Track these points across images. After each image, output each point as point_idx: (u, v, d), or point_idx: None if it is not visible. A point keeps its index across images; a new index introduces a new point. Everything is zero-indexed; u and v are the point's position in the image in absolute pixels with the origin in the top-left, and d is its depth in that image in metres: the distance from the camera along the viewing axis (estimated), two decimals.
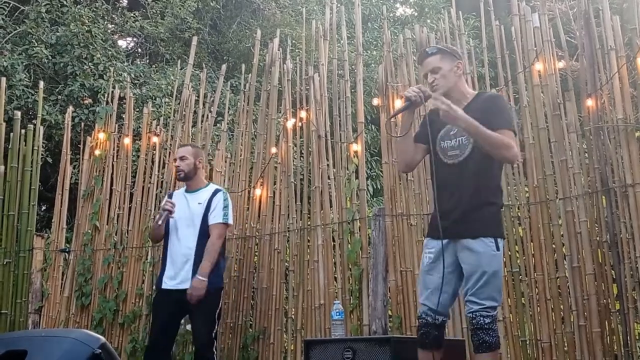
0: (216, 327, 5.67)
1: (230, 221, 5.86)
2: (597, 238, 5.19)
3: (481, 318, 4.00)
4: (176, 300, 5.63)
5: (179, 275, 5.70)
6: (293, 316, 6.31)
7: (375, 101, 6.59)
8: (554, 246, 5.32)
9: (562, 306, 5.24)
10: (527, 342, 5.35)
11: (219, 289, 5.72)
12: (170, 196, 6.00)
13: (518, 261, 5.48)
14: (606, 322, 5.07)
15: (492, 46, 6.19)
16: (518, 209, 5.60)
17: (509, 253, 5.48)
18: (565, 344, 5.16)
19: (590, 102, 5.32)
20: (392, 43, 6.33)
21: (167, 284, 5.73)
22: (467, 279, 4.08)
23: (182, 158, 5.94)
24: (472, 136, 4.06)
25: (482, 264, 4.02)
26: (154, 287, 6.92)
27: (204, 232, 5.76)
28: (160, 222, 5.79)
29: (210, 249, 5.66)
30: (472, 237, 4.06)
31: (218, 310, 5.70)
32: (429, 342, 4.19)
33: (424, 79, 4.42)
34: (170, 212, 5.78)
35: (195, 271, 5.62)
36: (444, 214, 4.12)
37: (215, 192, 5.91)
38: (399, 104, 6.00)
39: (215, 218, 5.78)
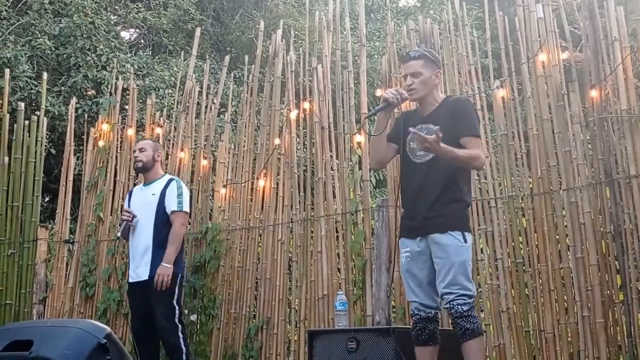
0: (177, 312, 5.77)
1: (185, 208, 5.97)
2: (601, 229, 5.18)
3: (459, 306, 4.13)
4: (142, 291, 5.80)
5: (139, 267, 5.85)
6: (296, 307, 6.32)
7: (379, 92, 6.59)
8: (557, 237, 5.32)
9: (565, 297, 5.24)
10: (531, 333, 5.35)
11: (175, 275, 5.77)
12: (130, 194, 6.21)
13: (522, 252, 5.48)
14: (610, 313, 5.07)
15: (496, 37, 6.17)
16: (522, 199, 5.60)
17: (513, 244, 5.49)
18: (569, 335, 5.17)
19: (594, 93, 5.31)
20: (395, 34, 6.33)
21: (132, 277, 5.92)
22: (439, 272, 4.22)
23: (141, 149, 6.08)
24: (447, 160, 4.20)
25: (451, 255, 4.18)
26: None
27: (160, 222, 5.90)
28: (119, 234, 6.02)
29: (173, 237, 5.83)
30: (441, 232, 4.23)
31: (177, 296, 5.79)
32: (425, 338, 4.31)
33: (402, 79, 4.54)
34: (129, 221, 5.94)
35: (154, 261, 5.77)
36: (414, 213, 4.35)
37: (169, 181, 6.04)
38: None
39: (171, 206, 5.92)
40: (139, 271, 5.84)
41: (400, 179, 4.60)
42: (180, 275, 5.86)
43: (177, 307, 5.78)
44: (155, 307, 5.75)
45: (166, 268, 5.71)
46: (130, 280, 5.93)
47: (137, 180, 6.96)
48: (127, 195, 6.26)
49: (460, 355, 4.22)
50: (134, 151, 6.15)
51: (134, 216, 5.94)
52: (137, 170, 6.25)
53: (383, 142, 4.51)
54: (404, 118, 4.49)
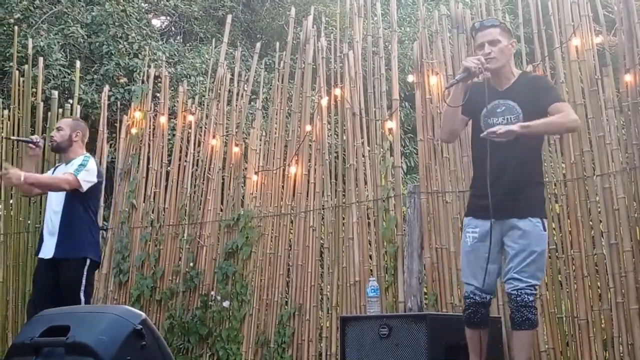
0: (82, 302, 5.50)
1: (80, 177, 5.57)
2: (635, 215, 5.14)
3: (526, 296, 4.07)
4: (51, 268, 5.59)
5: (47, 244, 5.65)
6: (328, 293, 6.34)
7: (410, 78, 6.57)
8: (591, 223, 5.28)
9: (599, 283, 5.20)
10: (564, 319, 5.33)
11: (84, 259, 5.59)
12: (55, 169, 5.95)
13: (555, 238, 5.44)
14: None
15: (528, 21, 6.12)
16: (555, 185, 5.56)
17: None
18: (603, 321, 5.14)
19: (628, 77, 5.25)
20: (427, 19, 6.29)
21: (43, 253, 5.66)
22: (513, 257, 4.12)
23: (58, 129, 5.87)
24: (543, 133, 4.20)
25: (531, 243, 4.09)
26: (191, 264, 7.01)
27: (71, 198, 5.63)
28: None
29: (47, 177, 5.85)
30: (520, 217, 4.11)
31: (84, 285, 5.54)
32: (477, 321, 4.25)
33: (476, 50, 4.37)
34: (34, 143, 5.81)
35: (60, 238, 5.57)
36: (493, 193, 4.10)
37: (80, 157, 5.76)
38: (434, 80, 5.99)
39: (69, 169, 5.67)
40: (46, 249, 5.63)
41: (473, 156, 4.47)
42: (89, 260, 5.62)
43: (83, 299, 5.51)
44: (62, 287, 5.54)
45: (16, 176, 5.50)
46: (40, 255, 5.69)
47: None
48: (53, 169, 6.00)
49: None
50: (53, 129, 5.89)
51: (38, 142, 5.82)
52: (52, 149, 6.00)
53: (458, 114, 4.32)
54: (475, 91, 4.26)
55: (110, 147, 8.93)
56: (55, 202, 5.70)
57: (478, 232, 4.22)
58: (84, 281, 5.50)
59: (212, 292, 6.87)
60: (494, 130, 4.00)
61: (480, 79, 4.39)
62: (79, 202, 5.64)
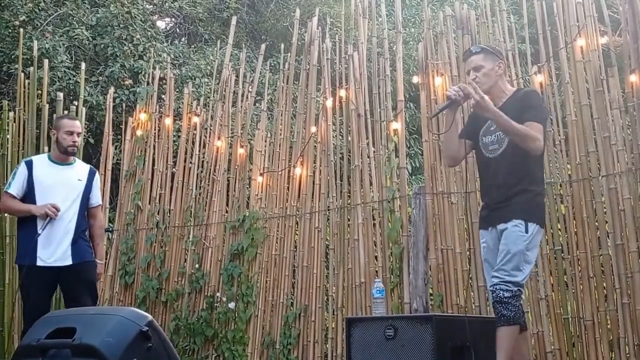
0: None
1: None
2: None
3: (500, 291, 4.21)
4: (56, 276, 5.58)
5: (56, 251, 5.58)
6: (334, 294, 6.33)
7: (415, 79, 6.58)
8: (596, 224, 5.28)
9: (605, 284, 5.20)
10: (570, 320, 5.32)
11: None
12: (29, 164, 5.74)
13: (560, 239, 5.44)
14: None
15: (533, 22, 6.12)
16: (560, 186, 5.56)
17: (551, 231, 5.45)
18: (609, 322, 5.13)
19: (633, 78, 5.25)
20: (432, 20, 6.29)
21: (45, 261, 5.55)
22: (497, 257, 4.33)
23: (78, 134, 5.85)
24: (500, 127, 4.32)
25: (509, 243, 4.27)
26: (196, 265, 7.00)
27: (83, 210, 5.74)
28: (41, 231, 5.53)
29: (102, 232, 6.01)
30: (504, 222, 4.33)
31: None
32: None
33: (466, 75, 4.63)
34: (53, 218, 5.58)
35: (76, 249, 5.62)
36: (486, 204, 4.53)
37: (92, 171, 5.92)
38: (439, 81, 6.00)
39: (99, 200, 5.91)
40: (56, 255, 5.56)
41: (479, 173, 4.79)
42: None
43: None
44: (81, 293, 5.61)
45: (102, 265, 5.96)
46: (41, 263, 5.53)
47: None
48: (25, 165, 5.74)
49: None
50: (71, 133, 5.73)
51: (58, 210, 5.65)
52: (71, 155, 5.85)
53: (454, 139, 4.59)
54: (475, 113, 4.54)
55: (116, 148, 8.96)
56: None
57: (486, 242, 4.50)
58: None
59: (218, 294, 6.87)
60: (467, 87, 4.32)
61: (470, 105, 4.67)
62: None
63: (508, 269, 4.22)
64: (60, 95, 7.98)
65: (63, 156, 5.78)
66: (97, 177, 5.97)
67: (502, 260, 4.26)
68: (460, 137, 4.59)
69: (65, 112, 7.76)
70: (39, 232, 5.49)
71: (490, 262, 4.43)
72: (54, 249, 5.57)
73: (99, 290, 7.44)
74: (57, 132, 5.78)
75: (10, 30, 10.66)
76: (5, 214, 7.39)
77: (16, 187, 5.65)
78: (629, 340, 5.01)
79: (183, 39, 13.05)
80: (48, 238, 5.55)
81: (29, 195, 5.65)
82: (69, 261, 5.59)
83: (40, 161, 5.80)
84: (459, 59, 5.98)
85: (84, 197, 5.78)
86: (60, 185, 5.67)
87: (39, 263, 5.51)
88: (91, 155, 10.66)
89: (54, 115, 7.72)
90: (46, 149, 7.68)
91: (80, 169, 5.87)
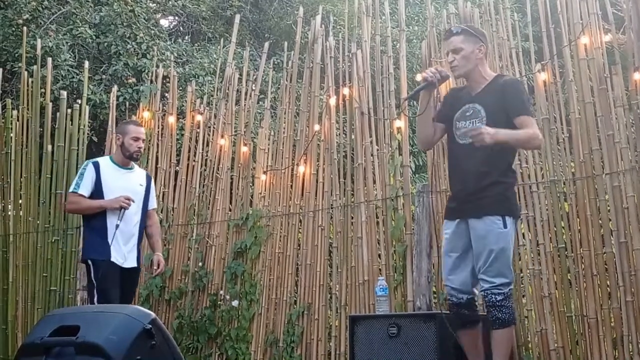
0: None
1: None
2: None
3: (493, 296, 4.16)
4: (125, 276, 5.77)
5: (124, 253, 5.76)
6: (337, 292, 6.33)
7: (419, 77, 6.56)
8: (600, 222, 5.27)
9: (608, 282, 5.19)
10: (573, 318, 5.32)
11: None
12: (96, 166, 5.88)
13: (564, 237, 5.43)
14: None
15: (537, 20, 6.11)
16: (564, 184, 5.55)
17: (555, 229, 5.45)
18: (612, 320, 5.13)
19: (637, 76, 5.24)
20: (435, 18, 6.29)
21: (119, 261, 5.73)
22: (477, 258, 4.24)
23: (143, 140, 6.07)
24: (508, 143, 4.22)
25: (488, 242, 4.17)
26: (200, 263, 7.00)
27: (144, 215, 5.98)
28: (119, 222, 5.72)
29: (159, 230, 6.34)
30: (477, 217, 4.23)
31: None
32: (462, 322, 4.37)
33: (445, 56, 4.52)
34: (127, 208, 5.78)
35: (139, 251, 5.92)
36: (456, 194, 4.38)
37: (149, 176, 6.22)
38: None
39: (154, 204, 6.16)
40: (128, 257, 5.78)
41: (448, 160, 4.66)
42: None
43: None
44: (132, 295, 5.97)
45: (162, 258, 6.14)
46: (118, 264, 5.72)
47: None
48: (93, 166, 5.88)
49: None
50: (137, 139, 5.93)
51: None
52: (137, 160, 6.10)
53: (428, 122, 4.44)
54: (451, 96, 4.46)
55: None
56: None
57: (449, 233, 4.37)
58: None
59: (221, 292, 6.88)
60: (469, 131, 4.15)
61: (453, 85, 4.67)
62: None
63: (496, 271, 4.16)
64: (64, 93, 7.98)
65: (126, 160, 5.96)
66: (153, 182, 6.25)
67: (486, 262, 4.16)
68: (434, 120, 4.45)
69: (69, 110, 7.76)
70: (118, 222, 5.69)
71: (450, 256, 4.34)
72: (122, 251, 5.75)
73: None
74: (123, 137, 5.93)
75: (13, 29, 10.67)
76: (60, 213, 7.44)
77: (85, 187, 5.79)
78: (632, 338, 5.00)
79: (186, 37, 13.02)
80: (117, 239, 5.72)
81: (95, 197, 5.81)
82: (134, 263, 5.84)
83: (105, 164, 5.95)
84: None
85: (145, 202, 5.99)
86: (127, 189, 5.82)
87: (113, 260, 5.70)
88: (95, 153, 10.66)
89: (57, 114, 7.74)
90: (49, 147, 7.69)
91: (139, 174, 6.08)
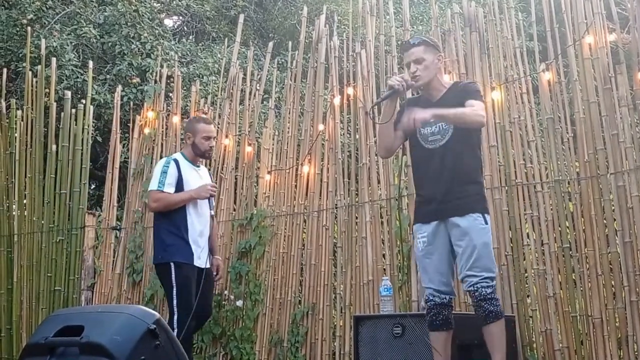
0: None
1: None
2: None
3: (482, 289, 4.24)
4: (199, 277, 5.75)
5: (200, 253, 5.77)
6: (342, 292, 6.33)
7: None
8: (605, 221, 5.26)
9: (613, 282, 5.18)
10: (578, 318, 5.31)
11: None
12: (177, 163, 5.85)
13: (568, 237, 5.42)
14: None
15: (541, 19, 6.10)
16: (568, 184, 5.54)
17: (559, 229, 5.44)
18: (617, 320, 5.11)
19: None
20: (439, 18, 6.28)
21: (197, 262, 5.74)
22: (461, 255, 4.32)
23: (214, 138, 6.06)
24: (451, 121, 4.33)
25: (473, 238, 4.27)
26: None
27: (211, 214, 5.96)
28: (212, 212, 5.86)
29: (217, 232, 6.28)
30: (459, 215, 4.32)
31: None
32: (439, 323, 4.41)
33: (405, 68, 4.60)
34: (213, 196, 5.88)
35: (209, 249, 5.88)
36: (430, 197, 4.43)
37: (211, 175, 6.21)
38: (446, 79, 5.97)
39: (213, 202, 6.08)
40: (202, 257, 5.77)
41: (413, 168, 4.73)
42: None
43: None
44: (211, 295, 5.96)
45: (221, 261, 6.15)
46: (196, 263, 5.72)
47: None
48: (174, 163, 5.84)
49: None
50: (209, 138, 5.93)
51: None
52: (208, 158, 6.16)
53: (391, 130, 4.54)
54: (410, 104, 4.51)
55: (123, 147, 8.97)
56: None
57: (427, 235, 4.43)
58: None
59: (226, 292, 6.88)
60: (414, 119, 4.24)
61: (410, 95, 4.79)
62: None
63: (482, 265, 4.25)
64: (68, 93, 8.00)
65: (196, 158, 5.96)
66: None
67: (471, 257, 4.25)
68: (394, 128, 4.53)
69: (73, 110, 7.77)
70: (212, 213, 5.85)
71: (431, 259, 4.40)
72: (199, 250, 5.76)
73: (107, 288, 7.52)
74: (194, 136, 5.92)
75: (18, 29, 10.69)
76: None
77: (170, 185, 5.78)
78: (637, 338, 4.99)
79: (190, 37, 13.04)
80: (195, 238, 5.75)
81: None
82: (208, 263, 5.84)
83: (182, 161, 5.92)
84: (467, 57, 5.97)
85: (211, 200, 5.95)
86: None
87: (196, 263, 5.72)
88: (99, 153, 10.69)
89: (62, 114, 7.75)
90: (54, 147, 7.71)
91: (205, 171, 6.10)
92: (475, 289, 4.24)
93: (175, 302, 5.56)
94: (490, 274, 4.27)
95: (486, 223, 4.34)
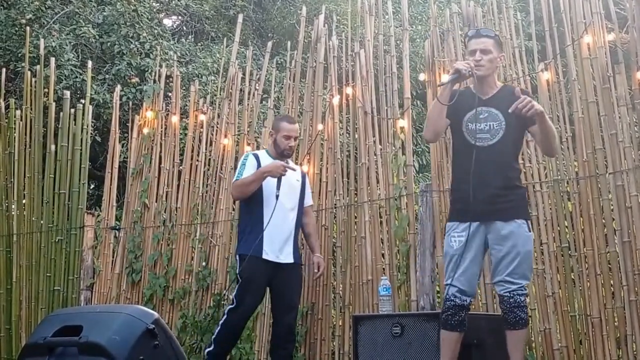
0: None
1: None
2: None
3: (518, 297, 4.24)
4: (279, 272, 5.69)
5: (280, 248, 5.68)
6: (341, 292, 6.33)
7: (422, 76, 6.57)
8: (604, 221, 5.26)
9: (612, 281, 5.19)
10: (577, 318, 5.31)
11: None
12: (257, 157, 5.80)
13: (567, 236, 5.43)
14: None
15: (540, 19, 6.10)
16: (567, 183, 5.54)
17: (558, 228, 5.44)
18: (616, 319, 5.12)
19: None
20: (438, 17, 6.28)
21: (269, 255, 5.65)
22: (501, 259, 4.29)
23: (296, 138, 5.95)
24: (546, 131, 4.27)
25: (518, 244, 4.25)
26: (203, 263, 7.00)
27: (301, 211, 5.88)
28: (278, 192, 5.64)
29: (316, 230, 6.19)
30: (504, 220, 4.28)
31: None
32: (454, 324, 4.37)
33: (468, 56, 4.54)
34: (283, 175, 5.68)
35: (295, 247, 5.77)
36: (473, 196, 4.28)
37: (304, 174, 6.07)
38: (446, 79, 5.97)
39: (310, 201, 6.05)
40: (283, 253, 5.69)
41: (454, 161, 4.62)
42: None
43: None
44: (294, 292, 5.82)
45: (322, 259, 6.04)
46: (266, 257, 5.61)
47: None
48: (254, 157, 5.79)
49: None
50: (289, 137, 5.83)
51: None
52: (288, 157, 5.92)
53: (443, 114, 4.45)
54: (460, 97, 4.44)
55: (123, 146, 8.98)
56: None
57: (464, 235, 4.34)
58: None
59: (225, 291, 6.87)
60: (522, 101, 4.13)
61: (469, 83, 4.65)
62: None
63: (521, 272, 4.25)
64: (67, 93, 8.00)
65: (279, 156, 5.85)
66: (308, 180, 6.12)
67: (512, 263, 4.24)
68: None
69: (72, 110, 7.76)
70: (277, 193, 5.62)
71: (464, 258, 4.32)
72: (279, 246, 5.67)
73: (106, 288, 7.52)
74: (276, 134, 5.88)
75: (16, 29, 10.70)
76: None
77: (247, 174, 5.70)
78: (636, 337, 4.99)
79: (190, 36, 13.05)
80: (272, 234, 5.63)
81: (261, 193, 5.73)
82: (290, 259, 5.72)
83: (264, 157, 5.85)
84: (465, 56, 5.96)
85: (301, 198, 5.89)
86: (284, 184, 5.70)
87: (264, 256, 5.61)
88: (98, 153, 10.69)
89: (61, 114, 7.75)
90: (53, 147, 7.71)
91: (294, 166, 5.94)
92: (511, 295, 4.24)
93: (234, 293, 5.65)
94: (527, 282, 4.30)
95: (530, 231, 4.34)
